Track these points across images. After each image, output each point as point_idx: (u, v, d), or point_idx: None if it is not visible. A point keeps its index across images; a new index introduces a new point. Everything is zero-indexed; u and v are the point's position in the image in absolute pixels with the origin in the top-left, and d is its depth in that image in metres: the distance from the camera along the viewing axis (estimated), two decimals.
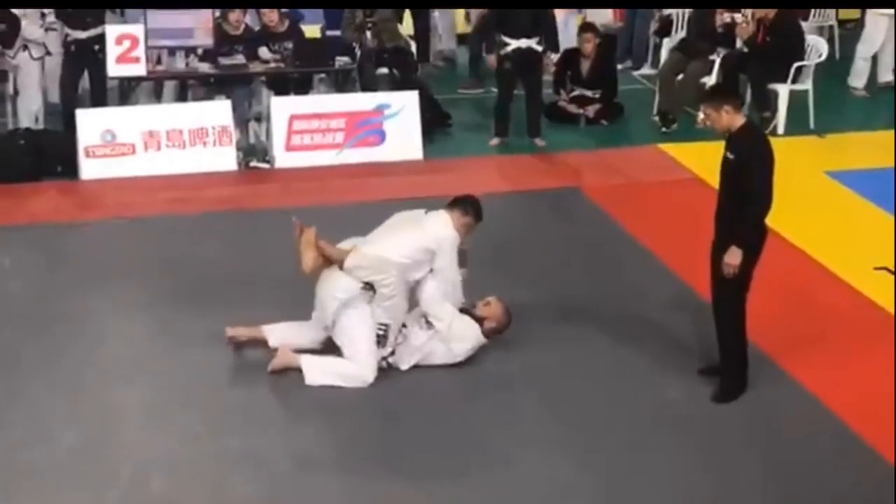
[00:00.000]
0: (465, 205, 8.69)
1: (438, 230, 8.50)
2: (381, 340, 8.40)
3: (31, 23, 13.06)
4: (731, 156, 8.05)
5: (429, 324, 8.56)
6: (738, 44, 14.16)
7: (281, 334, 8.69)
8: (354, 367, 8.31)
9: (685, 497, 7.24)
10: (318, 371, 8.32)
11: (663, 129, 13.99)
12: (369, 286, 8.30)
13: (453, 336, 8.53)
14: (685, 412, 8.13)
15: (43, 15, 13.31)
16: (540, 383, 8.44)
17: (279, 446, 7.72)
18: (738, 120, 8.09)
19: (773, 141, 11.17)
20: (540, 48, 13.28)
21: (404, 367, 8.53)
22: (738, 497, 7.25)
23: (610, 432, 7.86)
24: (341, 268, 8.33)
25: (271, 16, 13.57)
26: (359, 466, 7.51)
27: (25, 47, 13.11)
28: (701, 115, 13.86)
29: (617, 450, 7.66)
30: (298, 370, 8.34)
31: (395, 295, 8.34)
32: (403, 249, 8.36)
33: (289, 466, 7.51)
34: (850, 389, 8.34)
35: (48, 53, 13.42)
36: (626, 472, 7.41)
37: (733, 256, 7.95)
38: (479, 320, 8.64)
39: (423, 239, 8.44)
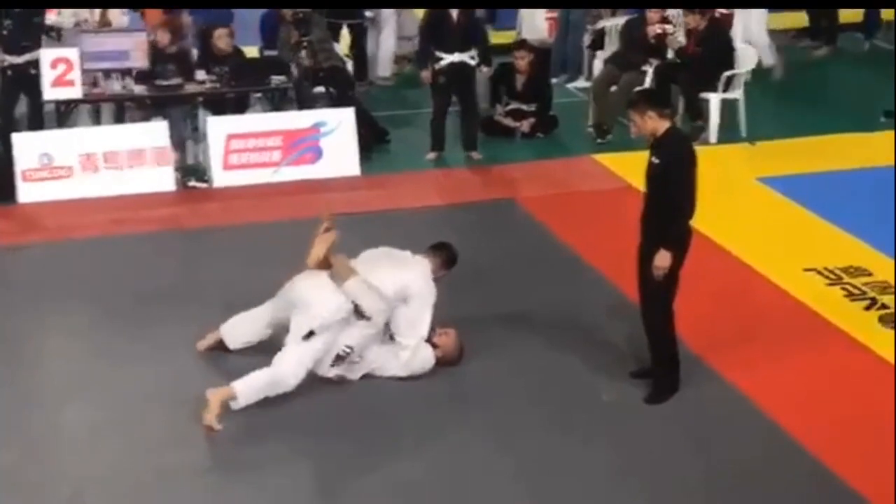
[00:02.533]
0: (445, 255, 9.01)
1: (419, 277, 8.75)
2: (337, 360, 8.52)
3: None
4: (655, 160, 8.22)
5: (392, 340, 8.71)
6: (670, 54, 14.36)
7: (235, 333, 8.92)
8: (279, 375, 8.25)
9: (615, 496, 7.38)
10: (249, 392, 8.23)
11: (598, 140, 14.17)
12: (359, 312, 8.44)
13: (412, 364, 8.69)
14: (617, 413, 8.28)
15: None
16: (475, 389, 8.59)
17: (218, 461, 7.80)
18: (662, 125, 8.24)
19: (706, 149, 11.58)
20: (474, 62, 13.43)
21: (354, 377, 8.64)
22: (668, 496, 7.39)
23: (543, 432, 8.04)
24: (339, 277, 8.48)
25: (223, 42, 13.62)
26: (301, 476, 7.61)
27: None
28: (633, 126, 14.28)
29: (549, 449, 7.83)
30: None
31: (376, 328, 8.53)
32: (393, 285, 8.56)
33: (226, 479, 7.59)
34: (779, 388, 8.53)
35: None
36: (558, 472, 7.56)
37: (662, 259, 8.11)
38: (432, 345, 8.81)
39: (406, 279, 8.65)
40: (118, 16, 14.07)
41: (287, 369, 8.30)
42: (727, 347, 9.05)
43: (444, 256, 9.00)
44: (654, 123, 8.23)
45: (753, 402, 8.35)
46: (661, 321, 8.34)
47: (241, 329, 8.93)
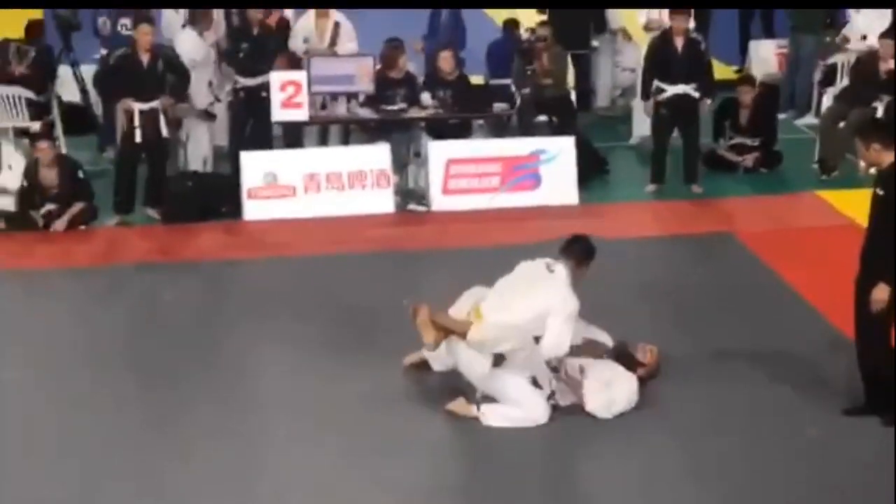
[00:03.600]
0: (579, 251, 8.66)
1: (557, 294, 8.40)
2: (534, 384, 8.50)
3: (199, 74, 13.49)
4: (879, 192, 8.05)
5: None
6: None
7: (438, 356, 8.90)
8: (524, 411, 8.40)
9: None
10: (494, 416, 8.42)
11: (823, 177, 13.85)
12: (500, 356, 8.40)
13: (614, 406, 8.57)
14: (823, 449, 8.08)
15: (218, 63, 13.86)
16: (676, 419, 8.48)
17: (421, 474, 7.88)
18: (888, 158, 8.06)
19: None
20: (697, 94, 13.29)
21: (564, 403, 8.59)
22: None
23: (744, 464, 7.88)
24: (463, 337, 8.40)
25: (447, 63, 13.83)
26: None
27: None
28: (862, 163, 13.92)
29: (750, 483, 7.65)
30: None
31: (528, 356, 8.41)
32: (523, 313, 8.33)
33: (427, 494, 7.66)
34: None
35: (217, 100, 13.91)
36: None
37: (881, 292, 7.95)
38: (636, 364, 8.77)
39: (543, 301, 8.37)
40: (346, 43, 14.35)
41: (526, 409, 8.40)
42: None
43: (578, 253, 8.63)
44: (879, 155, 8.08)
45: None
46: (885, 353, 8.10)
47: (443, 353, 8.97)
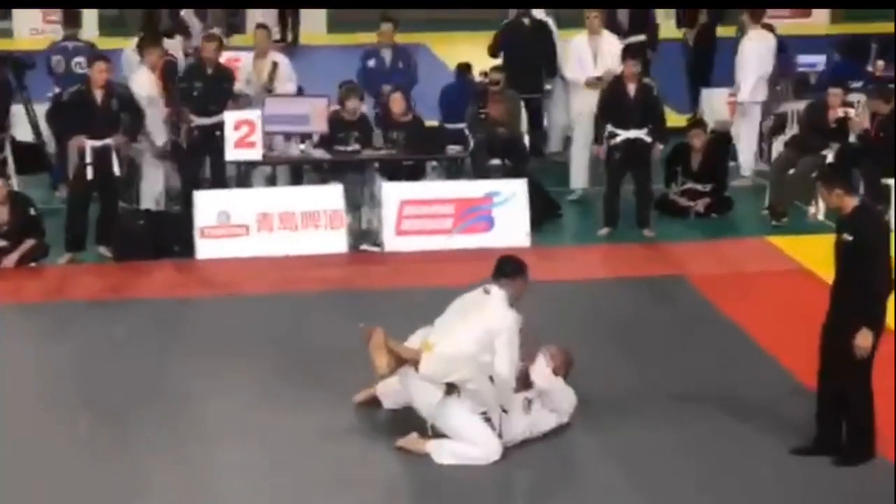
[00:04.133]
0: (509, 269, 8.76)
1: (496, 311, 8.49)
2: (487, 422, 8.47)
3: (155, 113, 13.47)
4: (847, 237, 8.10)
5: (529, 405, 8.65)
6: (852, 138, 14.11)
7: (388, 392, 8.97)
8: (476, 449, 8.37)
9: None
10: (446, 453, 8.39)
11: (773, 223, 13.96)
12: (451, 387, 8.39)
13: (563, 410, 8.72)
14: (773, 486, 8.11)
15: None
16: (628, 459, 8.47)
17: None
18: (850, 202, 8.18)
19: None
20: (649, 139, 13.40)
21: (510, 445, 8.55)
22: None
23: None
24: (415, 366, 8.42)
25: (398, 105, 13.87)
26: None
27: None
28: (811, 210, 14.07)
29: None
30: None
31: (480, 386, 8.38)
32: (470, 338, 8.37)
33: None
34: None
35: (172, 140, 13.88)
36: None
37: (865, 339, 8.00)
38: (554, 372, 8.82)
39: (485, 321, 8.43)
40: (284, 83, 14.39)
41: (479, 447, 8.38)
42: None
43: (509, 271, 8.73)
44: (841, 200, 8.18)
45: None
46: (863, 395, 8.18)
47: (393, 390, 8.95)
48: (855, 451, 8.30)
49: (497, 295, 8.57)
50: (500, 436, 8.47)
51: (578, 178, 14.89)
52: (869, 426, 8.30)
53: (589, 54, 14.81)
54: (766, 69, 15.46)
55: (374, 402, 9.12)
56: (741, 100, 15.46)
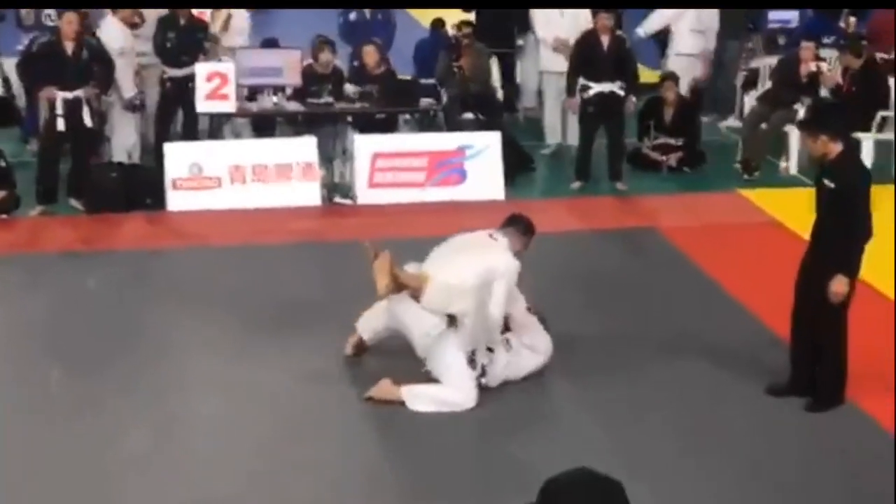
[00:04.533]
0: (520, 223, 8.86)
1: (501, 255, 8.55)
2: (471, 363, 8.48)
3: (125, 65, 13.39)
4: (829, 184, 8.04)
5: (508, 343, 8.70)
6: (824, 92, 14.16)
7: (369, 325, 8.96)
8: (455, 393, 8.38)
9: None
10: (420, 400, 8.37)
11: (745, 176, 14.03)
12: (452, 319, 8.39)
13: (537, 343, 8.80)
14: (746, 431, 8.16)
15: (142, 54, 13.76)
16: (601, 405, 8.51)
17: (347, 456, 7.86)
18: (835, 147, 8.03)
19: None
20: (622, 92, 13.40)
21: (494, 384, 8.62)
22: None
23: (670, 443, 7.92)
24: (414, 295, 8.42)
25: (371, 58, 13.83)
26: (424, 481, 7.63)
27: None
28: (783, 164, 14.14)
29: (681, 473, 7.71)
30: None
31: (477, 323, 8.38)
32: (473, 272, 8.38)
33: (353, 476, 7.64)
34: None
35: (141, 93, 13.82)
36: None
37: (841, 285, 8.00)
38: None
39: (489, 262, 8.47)
40: (234, 35, 14.36)
41: (456, 391, 8.36)
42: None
43: (519, 226, 8.84)
44: (826, 145, 8.03)
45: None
46: (836, 336, 8.22)
47: (371, 326, 8.96)
48: (825, 397, 8.35)
49: (503, 242, 8.66)
50: (483, 375, 8.51)
51: (552, 132, 14.90)
52: (840, 373, 8.34)
53: (555, 11, 14.76)
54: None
55: (362, 349, 9.08)
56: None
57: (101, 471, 7.63)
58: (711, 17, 15.81)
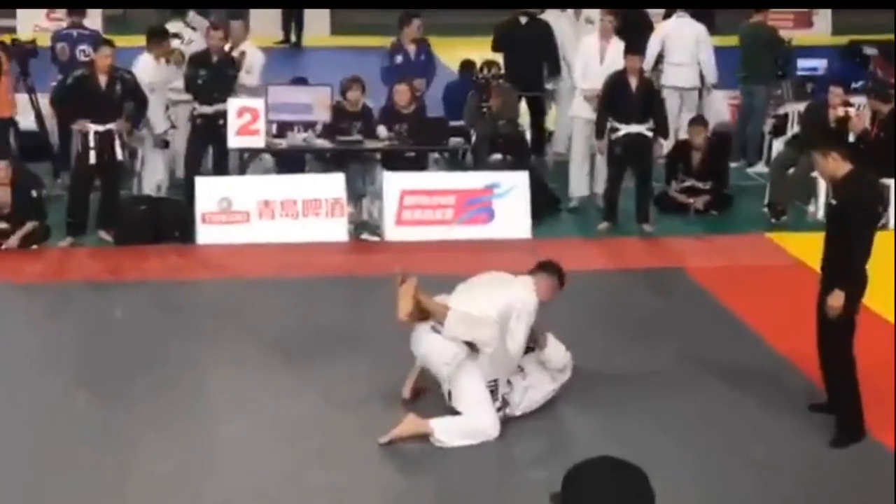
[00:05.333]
0: (550, 268, 8.93)
1: (521, 292, 8.63)
2: (492, 394, 8.51)
3: (156, 101, 13.52)
4: (833, 201, 8.34)
5: (522, 371, 8.75)
6: (852, 138, 14.15)
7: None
8: (478, 421, 8.41)
9: None
10: (447, 433, 8.36)
11: (772, 220, 14.00)
12: (472, 347, 8.43)
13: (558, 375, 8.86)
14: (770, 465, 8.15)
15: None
16: (625, 438, 8.48)
17: (368, 484, 7.87)
18: (844, 168, 8.26)
19: (885, 235, 11.50)
20: (650, 134, 13.43)
21: (517, 413, 8.66)
22: None
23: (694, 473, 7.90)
24: (437, 321, 8.46)
25: (404, 97, 13.93)
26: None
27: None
28: (811, 208, 14.12)
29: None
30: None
31: (499, 351, 8.43)
32: (493, 306, 8.47)
33: (373, 501, 7.65)
34: None
35: (173, 127, 13.94)
36: None
37: (836, 298, 8.16)
38: None
39: (509, 297, 8.56)
40: (243, 74, 14.41)
41: (479, 420, 8.40)
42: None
43: (549, 269, 8.90)
44: (836, 165, 8.27)
45: None
46: (841, 365, 8.31)
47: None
48: (846, 433, 8.38)
49: (527, 280, 8.73)
50: (505, 406, 8.54)
51: (577, 185, 14.57)
52: (854, 403, 8.37)
53: (596, 58, 14.47)
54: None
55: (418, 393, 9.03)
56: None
57: (127, 495, 7.72)
58: (692, 50, 15.84)
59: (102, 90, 12.56)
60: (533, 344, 8.74)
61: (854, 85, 15.35)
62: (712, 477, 8.04)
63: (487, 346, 8.37)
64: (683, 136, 14.80)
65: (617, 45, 14.18)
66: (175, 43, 14.31)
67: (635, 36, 15.66)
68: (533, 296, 8.63)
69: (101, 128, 12.48)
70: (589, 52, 14.49)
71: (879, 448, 8.33)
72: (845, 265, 8.17)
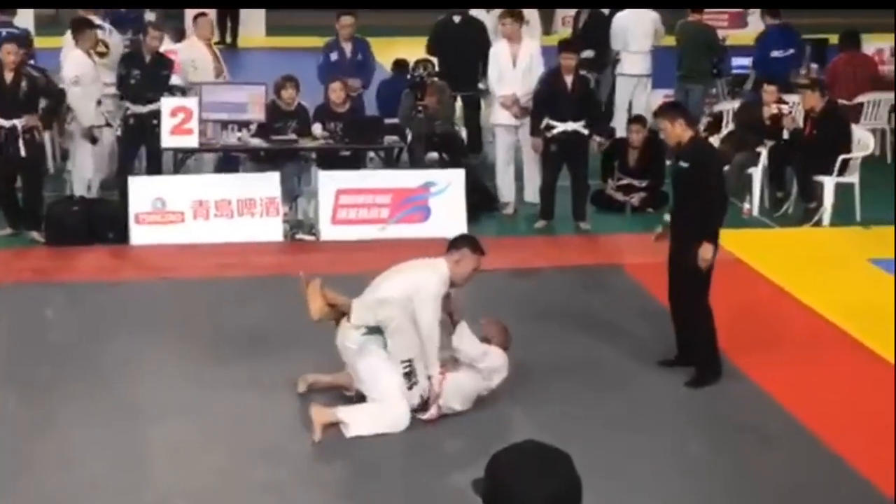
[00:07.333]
0: (457, 241, 8.93)
1: (425, 271, 8.69)
2: (408, 377, 8.47)
3: (82, 94, 13.35)
4: (683, 165, 9.06)
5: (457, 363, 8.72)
6: (786, 136, 14.24)
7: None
8: (386, 410, 8.41)
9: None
10: (356, 421, 8.37)
11: None
12: (376, 329, 8.45)
13: (491, 377, 8.77)
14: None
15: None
16: (555, 428, 8.43)
17: (304, 479, 7.81)
18: (688, 133, 9.17)
19: (819, 231, 12.56)
20: (586, 131, 13.43)
21: (454, 406, 8.67)
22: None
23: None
24: (347, 315, 8.54)
25: (336, 95, 13.84)
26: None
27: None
28: (745, 206, 14.17)
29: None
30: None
31: (405, 329, 8.42)
32: (395, 286, 8.59)
33: (313, 497, 7.58)
34: None
35: (108, 125, 13.77)
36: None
37: (707, 251, 8.95)
38: (485, 339, 8.88)
39: (414, 278, 8.64)
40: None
41: (388, 406, 8.40)
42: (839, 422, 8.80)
43: (464, 244, 8.86)
44: (682, 130, 9.09)
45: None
46: (702, 313, 9.04)
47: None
48: (702, 371, 9.10)
49: (437, 262, 8.73)
50: (433, 399, 8.52)
51: (506, 190, 14.38)
52: (711, 343, 9.14)
53: (508, 62, 14.06)
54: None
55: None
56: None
57: (63, 496, 7.58)
58: (651, 38, 16.27)
59: (6, 86, 12.47)
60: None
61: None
62: (643, 465, 8.07)
63: (390, 321, 8.39)
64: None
65: (528, 46, 14.12)
66: (99, 33, 14.11)
67: (600, 32, 15.93)
68: (439, 275, 8.60)
69: (5, 123, 12.37)
70: (501, 59, 14.19)
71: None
72: (704, 220, 8.88)
